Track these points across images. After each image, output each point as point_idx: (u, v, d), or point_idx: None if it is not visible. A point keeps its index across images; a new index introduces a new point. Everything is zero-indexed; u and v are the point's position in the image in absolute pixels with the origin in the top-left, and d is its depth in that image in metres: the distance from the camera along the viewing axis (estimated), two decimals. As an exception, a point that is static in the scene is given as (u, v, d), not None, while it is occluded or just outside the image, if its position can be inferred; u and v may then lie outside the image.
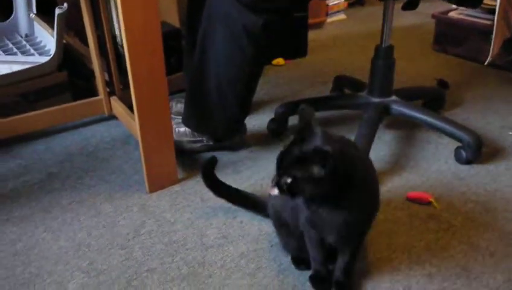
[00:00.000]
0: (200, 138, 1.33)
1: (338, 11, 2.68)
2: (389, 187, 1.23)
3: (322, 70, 2.02)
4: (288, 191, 0.76)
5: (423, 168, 1.31)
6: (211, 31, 1.13)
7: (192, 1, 1.42)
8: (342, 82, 1.68)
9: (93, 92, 1.61)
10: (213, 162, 1.10)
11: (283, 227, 0.97)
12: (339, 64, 2.08)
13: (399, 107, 1.40)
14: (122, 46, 1.74)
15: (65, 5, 1.45)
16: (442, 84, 1.83)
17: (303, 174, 0.74)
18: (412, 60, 2.09)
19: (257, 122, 1.53)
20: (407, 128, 1.50)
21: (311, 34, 2.23)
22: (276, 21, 1.11)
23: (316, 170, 0.73)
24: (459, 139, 1.32)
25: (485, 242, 1.04)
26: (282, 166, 0.77)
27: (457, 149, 1.33)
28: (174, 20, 1.88)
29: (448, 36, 2.13)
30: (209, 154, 1.35)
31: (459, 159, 1.33)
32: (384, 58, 1.37)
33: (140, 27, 1.05)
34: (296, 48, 2.11)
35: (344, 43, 2.36)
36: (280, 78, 1.91)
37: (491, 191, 1.22)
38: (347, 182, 0.77)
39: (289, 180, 0.75)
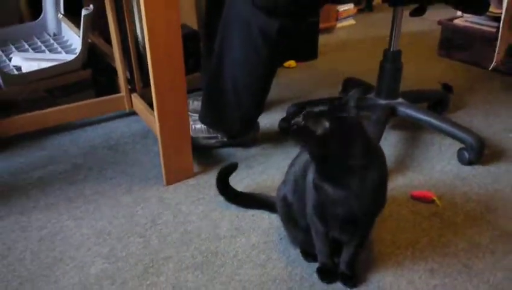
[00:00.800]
0: (215, 135, 1.33)
1: (348, 17, 2.66)
2: (394, 186, 1.22)
3: (332, 72, 2.00)
4: (296, 133, 0.77)
5: (427, 168, 1.29)
6: (229, 33, 1.12)
7: (210, 6, 1.42)
8: (350, 84, 1.66)
9: (115, 89, 1.62)
10: (231, 168, 1.10)
11: (291, 222, 0.97)
12: (348, 67, 2.06)
13: (405, 109, 1.38)
14: (143, 46, 1.75)
15: (91, 6, 1.45)
16: (447, 88, 1.80)
17: (311, 124, 0.76)
18: (418, 64, 2.07)
19: (269, 120, 1.53)
20: (412, 129, 1.48)
21: (322, 38, 2.21)
22: (290, 25, 1.10)
23: (318, 126, 0.75)
24: (461, 141, 1.31)
25: (486, 240, 1.03)
26: (305, 112, 0.79)
27: (460, 150, 1.31)
28: (193, 23, 1.87)
29: (453, 42, 2.10)
30: (224, 151, 1.37)
31: (461, 160, 1.31)
32: (392, 62, 1.36)
33: (162, 30, 1.05)
34: (307, 51, 2.10)
35: (353, 47, 2.34)
36: (291, 80, 1.90)
37: (492, 191, 1.20)
38: (354, 155, 0.77)
39: (303, 122, 0.77)
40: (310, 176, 0.86)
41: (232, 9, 1.10)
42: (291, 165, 0.99)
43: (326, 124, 0.75)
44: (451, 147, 1.38)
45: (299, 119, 0.78)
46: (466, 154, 1.29)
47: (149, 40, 1.05)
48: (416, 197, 1.16)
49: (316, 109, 0.77)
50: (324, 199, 0.83)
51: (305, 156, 0.91)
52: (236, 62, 1.15)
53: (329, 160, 0.79)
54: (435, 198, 1.15)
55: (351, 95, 0.76)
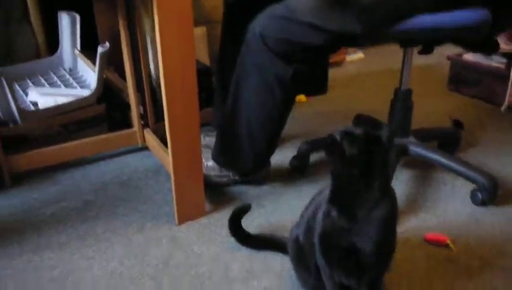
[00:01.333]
0: (227, 173, 1.33)
1: (357, 50, 2.69)
2: (407, 227, 1.21)
3: (342, 107, 2.01)
4: (330, 146, 0.79)
5: (440, 209, 1.28)
6: (244, 76, 1.14)
7: (224, 44, 1.45)
8: (362, 121, 1.65)
9: (128, 124, 1.64)
10: (244, 210, 1.10)
11: (302, 264, 0.96)
12: (357, 102, 2.08)
13: (416, 148, 1.38)
14: (156, 81, 1.78)
15: (107, 44, 1.49)
16: (458, 124, 1.80)
17: (346, 143, 0.78)
18: (427, 99, 2.07)
19: (280, 157, 1.53)
20: (424, 168, 1.48)
21: (331, 72, 2.23)
22: (305, 70, 1.12)
23: (351, 148, 0.77)
24: (474, 181, 1.30)
25: (502, 285, 1.01)
26: (345, 129, 0.82)
27: (473, 191, 1.30)
28: (205, 59, 1.91)
29: (463, 77, 2.11)
30: (235, 188, 1.37)
31: (474, 201, 1.30)
32: (402, 101, 1.36)
33: (178, 66, 1.07)
34: (318, 85, 2.12)
35: (362, 81, 2.36)
36: (302, 115, 1.91)
37: (507, 233, 1.18)
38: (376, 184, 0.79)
39: (338, 138, 0.79)
40: (321, 211, 0.86)
41: (249, 52, 1.12)
42: (306, 208, 0.99)
43: (359, 148, 0.76)
44: (464, 187, 1.37)
45: (337, 134, 0.80)
46: (479, 195, 1.28)
47: (164, 76, 1.06)
48: (430, 240, 1.15)
49: (354, 131, 0.79)
50: (330, 226, 0.83)
51: (320, 199, 0.92)
52: (251, 104, 1.16)
53: (347, 183, 0.80)
54: (449, 242, 1.13)
55: (385, 129, 0.79)
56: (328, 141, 0.78)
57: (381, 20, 1.09)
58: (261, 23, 1.08)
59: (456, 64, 2.13)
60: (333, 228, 0.82)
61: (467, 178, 1.32)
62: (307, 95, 2.07)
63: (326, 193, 0.88)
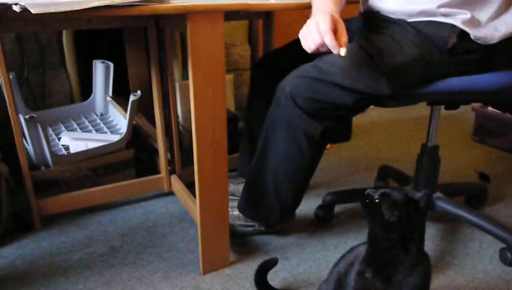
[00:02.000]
0: (252, 223, 1.34)
1: (380, 97, 2.71)
2: (435, 285, 1.19)
3: (366, 156, 2.03)
4: (368, 207, 0.80)
5: (468, 267, 1.26)
6: (273, 132, 1.17)
7: (252, 96, 1.49)
8: (387, 173, 1.67)
9: (155, 169, 1.68)
10: (270, 265, 1.11)
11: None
12: (382, 151, 2.09)
13: (443, 204, 1.37)
14: (184, 127, 1.83)
15: (139, 92, 1.55)
16: (484, 177, 1.79)
17: (385, 206, 0.79)
18: (452, 150, 2.08)
19: (304, 207, 1.54)
20: (451, 222, 1.47)
21: (355, 119, 2.24)
22: (334, 127, 1.14)
23: (390, 212, 0.78)
24: (503, 241, 1.28)
25: None
26: (384, 191, 0.83)
27: (502, 250, 1.29)
28: (231, 105, 1.96)
29: (488, 128, 2.11)
30: (259, 238, 1.38)
31: (504, 260, 1.28)
32: (429, 157, 1.37)
33: (209, 120, 1.10)
34: (341, 133, 2.13)
35: (386, 128, 2.38)
36: (325, 163, 1.93)
37: (539, 297, 1.16)
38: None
39: (376, 198, 0.80)
40: (353, 271, 0.87)
41: (278, 109, 1.15)
42: (336, 264, 0.99)
43: (399, 214, 0.78)
44: (492, 244, 1.35)
45: (375, 194, 0.81)
46: (508, 255, 1.26)
47: (196, 128, 1.09)
48: (458, 301, 1.13)
49: (393, 194, 0.80)
50: (363, 287, 0.83)
51: (351, 256, 0.92)
52: (279, 158, 1.18)
53: (384, 247, 0.81)
54: (478, 304, 1.11)
55: (424, 195, 0.80)
56: (366, 201, 0.79)
57: (410, 83, 1.12)
58: (291, 82, 1.12)
59: (481, 115, 2.14)
60: (365, 288, 0.82)
61: (495, 236, 1.31)
62: (331, 142, 2.09)
63: (359, 251, 0.89)
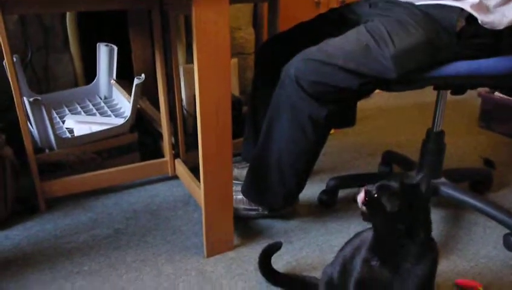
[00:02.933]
0: (256, 207, 1.35)
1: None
2: (438, 271, 1.18)
3: (370, 141, 2.02)
4: (368, 203, 0.80)
5: (471, 253, 1.27)
6: (278, 115, 1.17)
7: (256, 83, 1.49)
8: (391, 158, 1.67)
9: (159, 153, 1.68)
10: (274, 249, 1.11)
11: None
12: (386, 136, 2.08)
13: (448, 190, 1.37)
14: (187, 111, 1.83)
15: (143, 76, 1.55)
16: (489, 163, 1.79)
17: (384, 199, 0.79)
18: (458, 136, 2.07)
19: (308, 192, 1.54)
20: (454, 208, 1.47)
21: (360, 104, 2.25)
22: (338, 110, 1.14)
23: (390, 203, 0.78)
24: (507, 226, 1.28)
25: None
26: (380, 184, 0.82)
27: (506, 236, 1.29)
28: (235, 90, 1.95)
29: (494, 115, 2.10)
30: (263, 222, 1.39)
31: (508, 246, 1.28)
32: (435, 142, 1.37)
33: (213, 104, 1.09)
34: (346, 118, 2.14)
35: (391, 113, 2.37)
36: (329, 148, 1.92)
37: (542, 282, 1.16)
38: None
39: (375, 193, 0.80)
40: (359, 257, 0.87)
41: (283, 93, 1.15)
42: (342, 249, 0.99)
43: (400, 204, 0.77)
44: (496, 230, 1.35)
45: (372, 189, 0.81)
46: (512, 240, 1.26)
47: (200, 113, 1.09)
48: (461, 285, 1.14)
49: (391, 184, 0.80)
50: (368, 275, 0.83)
51: (357, 241, 0.93)
52: (284, 142, 1.18)
53: (390, 236, 0.81)
54: (480, 288, 1.12)
55: (422, 180, 0.79)
56: (366, 197, 0.79)
57: (416, 66, 1.11)
58: (295, 65, 1.11)
59: (487, 101, 2.12)
60: (371, 276, 0.82)
61: (500, 222, 1.31)
62: (335, 127, 2.09)
63: (365, 236, 0.88)
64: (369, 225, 0.87)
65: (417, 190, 0.78)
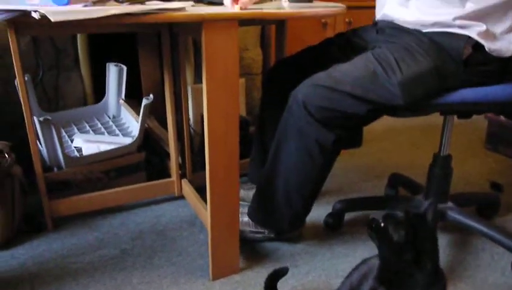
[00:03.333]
0: (262, 230, 1.35)
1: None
2: (445, 297, 1.18)
3: (376, 162, 2.02)
4: (376, 231, 0.81)
5: (479, 279, 1.26)
6: (285, 140, 1.18)
7: (264, 106, 1.50)
8: (397, 181, 1.67)
9: (166, 172, 1.69)
10: (281, 274, 1.11)
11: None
12: (392, 157, 2.08)
13: (455, 215, 1.37)
14: (193, 128, 1.84)
15: (151, 96, 1.57)
16: (496, 186, 1.78)
17: (391, 229, 0.80)
18: (464, 158, 2.06)
19: (314, 214, 1.53)
20: (461, 232, 1.46)
21: (366, 125, 2.26)
22: (346, 135, 1.15)
23: (397, 233, 0.79)
24: (515, 252, 1.28)
25: None
26: (387, 213, 0.84)
27: (514, 262, 1.28)
28: (242, 110, 1.97)
29: (501, 137, 2.10)
30: (269, 245, 1.38)
31: (516, 273, 1.27)
32: (442, 167, 1.37)
33: (222, 122, 1.10)
34: (352, 139, 2.14)
35: (397, 134, 2.37)
36: (336, 169, 1.91)
37: (551, 311, 1.15)
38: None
39: (382, 224, 0.81)
40: (366, 285, 0.87)
41: (290, 117, 1.16)
42: (349, 275, 0.99)
43: (406, 234, 0.78)
44: (504, 256, 1.34)
45: (379, 219, 0.81)
46: (521, 267, 1.25)
47: (208, 136, 1.10)
48: (469, 314, 1.13)
49: (397, 214, 0.81)
50: None
51: (364, 268, 0.92)
52: (291, 166, 1.19)
53: (397, 267, 0.81)
54: (489, 317, 1.11)
55: (429, 208, 0.79)
56: (373, 227, 0.79)
57: (423, 94, 1.12)
58: (303, 91, 1.12)
59: (494, 123, 2.13)
60: None
61: (507, 248, 1.30)
62: (341, 148, 2.09)
63: (373, 263, 0.88)
64: (376, 251, 0.87)
65: (423, 219, 0.79)
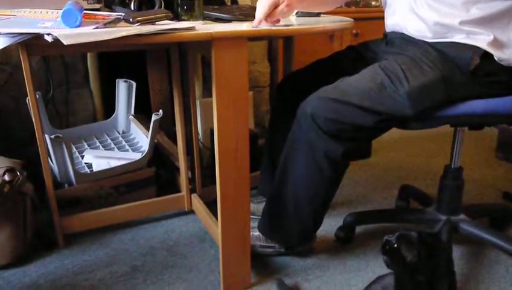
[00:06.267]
0: (273, 244, 1.35)
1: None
2: (460, 312, 1.17)
3: (386, 173, 2.02)
4: (389, 252, 0.80)
5: (494, 293, 1.25)
6: (294, 153, 1.19)
7: (274, 120, 1.51)
8: (408, 193, 1.66)
9: (176, 187, 1.70)
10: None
11: None
12: (402, 168, 2.07)
13: (468, 227, 1.36)
14: (202, 142, 1.85)
15: (160, 112, 1.58)
16: (508, 196, 1.77)
17: (404, 249, 0.79)
18: (475, 168, 2.05)
19: (325, 227, 1.53)
20: (475, 244, 1.45)
21: (375, 135, 2.25)
22: (355, 148, 1.15)
23: (410, 253, 0.79)
24: (531, 265, 1.26)
25: None
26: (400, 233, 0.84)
27: (529, 275, 1.27)
28: (250, 123, 1.98)
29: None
30: (280, 260, 1.38)
31: (531, 286, 1.26)
32: (453, 179, 1.36)
33: (232, 137, 1.11)
34: (361, 149, 2.14)
35: (406, 144, 2.37)
36: (345, 180, 1.91)
37: None
38: None
39: (395, 244, 0.80)
40: None
41: (299, 130, 1.16)
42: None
43: (418, 253, 0.77)
44: (518, 269, 1.33)
45: (392, 239, 0.81)
46: (536, 280, 1.24)
47: (218, 150, 1.10)
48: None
49: (410, 234, 0.80)
50: None
51: (378, 288, 0.92)
52: (300, 179, 1.19)
53: (411, 288, 0.80)
54: (505, 332, 1.10)
55: (443, 227, 0.79)
56: (386, 247, 0.79)
57: (431, 104, 1.12)
58: (311, 104, 1.13)
59: (505, 132, 2.11)
60: None
61: (522, 260, 1.29)
62: (350, 159, 2.09)
63: (388, 282, 0.88)
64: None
65: (437, 239, 0.78)
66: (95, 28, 0.90)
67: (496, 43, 1.13)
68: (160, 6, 1.19)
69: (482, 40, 1.13)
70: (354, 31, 2.19)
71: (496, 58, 1.13)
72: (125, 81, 1.72)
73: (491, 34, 1.13)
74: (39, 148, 1.33)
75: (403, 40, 1.26)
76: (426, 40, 1.19)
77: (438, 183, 1.41)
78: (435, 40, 1.18)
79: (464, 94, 1.15)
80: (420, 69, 1.13)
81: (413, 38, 1.22)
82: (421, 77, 1.12)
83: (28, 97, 1.29)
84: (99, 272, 1.34)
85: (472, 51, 1.13)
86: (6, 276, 1.32)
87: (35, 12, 1.05)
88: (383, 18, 1.35)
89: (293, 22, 1.29)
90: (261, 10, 1.07)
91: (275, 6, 1.07)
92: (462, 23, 1.13)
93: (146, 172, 1.66)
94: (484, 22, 1.13)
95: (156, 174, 1.69)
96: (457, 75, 1.14)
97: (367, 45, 1.39)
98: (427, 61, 1.14)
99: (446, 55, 1.15)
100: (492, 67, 1.14)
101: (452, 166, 1.36)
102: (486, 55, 1.13)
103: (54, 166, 1.50)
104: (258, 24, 1.07)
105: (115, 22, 1.00)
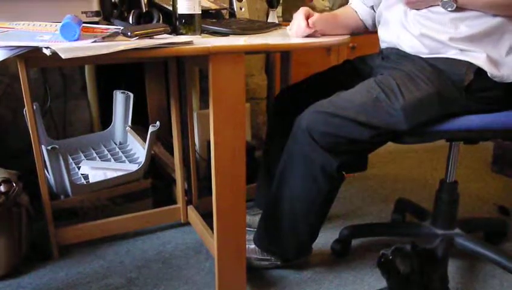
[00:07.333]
0: (269, 257, 1.35)
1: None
2: (455, 327, 1.17)
3: (382, 186, 2.02)
4: (384, 264, 0.82)
5: (489, 308, 1.25)
6: (290, 166, 1.19)
7: (271, 133, 1.52)
8: (404, 207, 1.67)
9: (172, 199, 1.70)
10: None
11: None
12: (398, 181, 2.08)
13: (463, 242, 1.36)
14: (199, 154, 1.85)
15: (157, 123, 1.58)
16: (503, 210, 1.77)
17: (399, 261, 0.81)
18: (471, 181, 2.06)
19: (321, 240, 1.53)
20: (470, 258, 1.45)
21: (371, 148, 2.26)
22: (350, 161, 1.16)
23: (404, 265, 0.80)
24: (526, 279, 1.26)
25: None
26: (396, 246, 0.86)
27: (524, 290, 1.27)
28: (247, 135, 1.98)
29: (507, 159, 2.09)
30: (275, 273, 1.38)
31: (526, 300, 1.26)
32: (448, 193, 1.37)
33: (228, 150, 1.11)
34: (357, 163, 2.14)
35: (402, 157, 2.37)
36: (341, 193, 1.92)
37: None
38: None
39: (390, 257, 0.83)
40: None
41: (295, 144, 1.17)
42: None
43: (412, 266, 0.78)
44: (514, 283, 1.33)
45: (388, 252, 0.81)
46: (531, 295, 1.24)
47: (215, 163, 1.11)
48: None
49: (405, 247, 0.81)
50: None
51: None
52: (296, 193, 1.20)
53: None
54: None
55: (440, 244, 0.80)
56: (381, 260, 0.79)
57: (426, 119, 1.13)
58: (307, 117, 1.14)
59: (500, 145, 2.13)
60: None
61: (517, 275, 1.29)
62: (347, 172, 2.09)
63: None
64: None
65: (433, 256, 0.79)
66: (93, 42, 0.91)
67: (490, 60, 1.14)
68: (158, 20, 1.20)
69: (475, 57, 1.14)
70: (351, 45, 2.21)
71: (489, 75, 1.14)
72: (122, 93, 1.73)
73: (484, 53, 1.14)
74: (35, 159, 1.33)
75: (398, 55, 1.27)
76: (421, 55, 1.20)
77: (434, 198, 1.41)
78: (430, 56, 1.19)
79: (458, 109, 1.16)
80: (415, 84, 1.14)
81: (408, 54, 1.24)
82: (416, 92, 1.13)
83: (25, 108, 1.30)
84: (95, 284, 1.33)
85: (466, 67, 1.14)
86: (1, 287, 1.31)
87: (34, 25, 1.06)
88: (379, 32, 1.36)
89: (290, 35, 1.30)
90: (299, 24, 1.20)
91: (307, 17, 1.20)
92: (452, 40, 1.14)
93: (142, 183, 1.65)
94: (474, 39, 1.14)
95: (152, 185, 1.69)
96: (451, 91, 1.15)
97: (363, 60, 1.40)
98: (422, 77, 1.15)
99: (441, 71, 1.16)
100: (487, 83, 1.16)
101: (447, 180, 1.37)
102: (480, 72, 1.14)
103: (50, 177, 1.49)
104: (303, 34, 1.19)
105: (113, 35, 1.01)
